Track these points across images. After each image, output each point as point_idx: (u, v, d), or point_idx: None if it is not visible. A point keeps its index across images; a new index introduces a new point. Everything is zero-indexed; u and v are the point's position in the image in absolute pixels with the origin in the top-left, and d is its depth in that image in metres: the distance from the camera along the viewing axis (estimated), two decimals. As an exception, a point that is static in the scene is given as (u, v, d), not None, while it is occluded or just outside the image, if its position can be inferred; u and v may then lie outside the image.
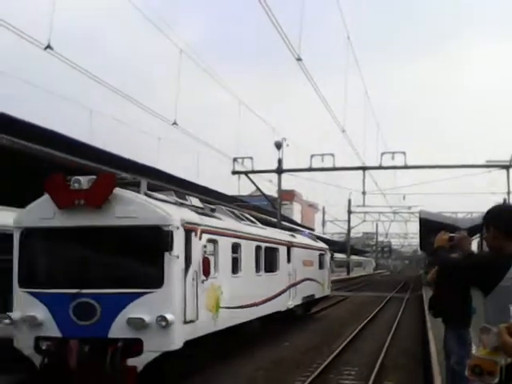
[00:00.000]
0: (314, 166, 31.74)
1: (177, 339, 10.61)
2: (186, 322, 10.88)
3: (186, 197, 14.08)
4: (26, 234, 11.16)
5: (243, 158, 32.88)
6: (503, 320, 2.12)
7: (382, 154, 30.89)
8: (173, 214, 11.14)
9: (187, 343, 10.83)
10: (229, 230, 14.31)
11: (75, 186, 10.71)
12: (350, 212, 62.00)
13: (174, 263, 10.68)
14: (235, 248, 14.49)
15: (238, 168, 32.85)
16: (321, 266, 26.28)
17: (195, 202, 14.12)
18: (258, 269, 16.53)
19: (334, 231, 77.10)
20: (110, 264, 11.23)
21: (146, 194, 11.75)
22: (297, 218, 78.86)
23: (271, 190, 39.38)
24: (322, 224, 73.31)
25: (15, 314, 10.75)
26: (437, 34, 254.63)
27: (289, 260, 20.05)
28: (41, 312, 10.65)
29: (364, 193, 36.65)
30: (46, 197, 10.98)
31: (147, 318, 10.19)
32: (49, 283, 11.15)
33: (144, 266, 11.23)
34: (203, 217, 12.95)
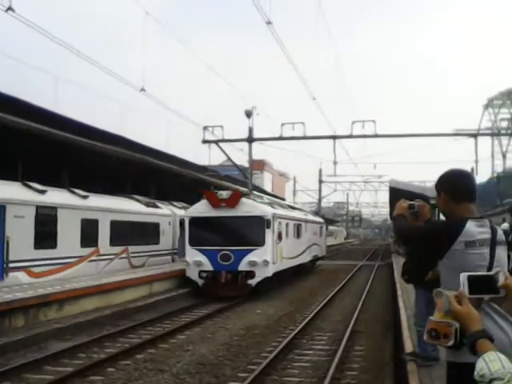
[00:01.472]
0: (285, 135, 31.68)
1: (271, 271, 21.10)
2: (273, 263, 21.39)
3: (263, 196, 28.96)
4: (193, 220, 21.66)
5: (213, 127, 32.62)
6: (457, 283, 2.17)
7: (353, 122, 30.98)
8: (268, 209, 22.55)
9: (274, 274, 21.38)
10: (284, 215, 25.39)
11: (220, 196, 21.46)
12: (320, 181, 62.22)
13: (269, 234, 21.22)
14: (287, 225, 25.03)
15: (209, 137, 32.59)
16: (321, 234, 38.08)
17: (266, 199, 27.67)
18: (294, 236, 27.03)
19: (305, 201, 77.30)
20: (238, 234, 21.46)
21: (254, 200, 22.93)
22: (267, 187, 78.83)
23: (241, 160, 39.28)
24: (293, 193, 73.35)
25: (188, 260, 21.21)
26: None
27: (306, 231, 30.61)
28: (202, 258, 20.80)
29: (335, 162, 36.74)
30: (204, 201, 21.62)
31: (258, 260, 20.55)
32: (206, 244, 21.09)
33: (255, 235, 21.19)
34: (275, 209, 24.01)
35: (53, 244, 18.54)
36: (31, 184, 18.26)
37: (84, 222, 20.29)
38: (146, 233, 25.50)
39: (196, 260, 20.82)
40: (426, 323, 7.57)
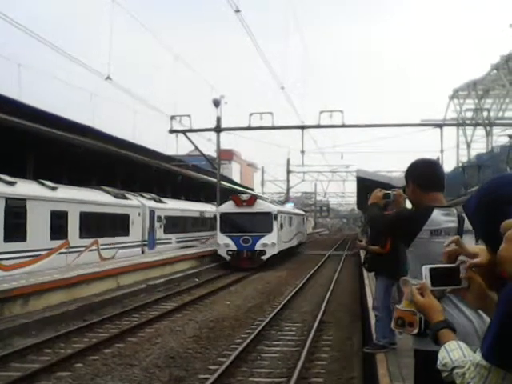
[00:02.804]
0: (253, 124, 31.66)
1: (277, 250, 29.49)
2: (278, 245, 29.56)
3: (268, 198, 46.22)
4: (223, 215, 29.48)
5: (181, 116, 32.42)
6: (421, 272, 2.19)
7: (321, 112, 31.16)
8: (274, 207, 31.44)
9: (278, 252, 29.76)
10: (283, 211, 34.89)
11: (242, 198, 30.19)
12: (288, 171, 62.43)
13: (275, 224, 29.52)
14: (284, 218, 33.55)
15: (176, 126, 32.38)
16: (303, 224, 48.70)
17: (270, 200, 39.33)
18: (288, 226, 35.76)
19: (274, 191, 77.48)
20: (254, 224, 28.99)
21: (265, 201, 33.48)
22: (236, 177, 78.86)
23: (209, 150, 39.18)
24: (261, 184, 73.41)
25: (219, 242, 28.97)
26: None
27: (294, 222, 39.54)
28: (229, 241, 28.62)
29: (303, 152, 36.99)
30: (230, 201, 29.99)
31: (268, 242, 28.81)
32: (232, 231, 28.98)
33: (266, 225, 29.14)
34: (278, 207, 33.24)
35: (22, 237, 18.34)
36: (0, 175, 17.96)
37: (53, 214, 20.10)
38: (116, 224, 25.41)
39: (225, 242, 28.91)
40: (384, 310, 7.76)
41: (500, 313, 1.54)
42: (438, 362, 1.85)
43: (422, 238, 3.33)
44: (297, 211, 45.03)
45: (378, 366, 7.33)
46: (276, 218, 29.80)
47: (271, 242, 29.07)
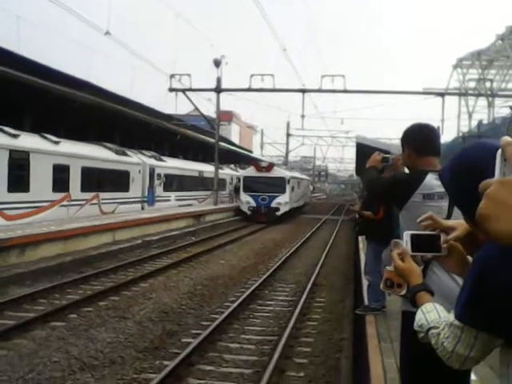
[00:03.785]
0: (254, 86, 31.41)
1: (288, 207, 36.66)
2: (289, 203, 36.70)
3: (281, 166, 50.51)
4: (246, 178, 36.56)
5: (181, 75, 32.13)
6: None
7: (322, 76, 30.89)
8: (288, 173, 39.22)
9: (290, 209, 37.17)
10: (294, 176, 42.01)
11: (262, 164, 37.93)
12: (288, 135, 62.21)
13: (288, 187, 36.39)
14: (294, 181, 39.70)
15: (176, 85, 32.11)
16: (308, 187, 56.37)
17: (284, 168, 45.92)
18: (297, 188, 41.47)
19: (273, 154, 77.31)
20: (271, 186, 35.45)
21: (279, 167, 41.42)
22: (235, 139, 78.55)
23: (209, 111, 38.93)
24: (261, 146, 73.17)
25: (242, 199, 35.90)
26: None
27: (301, 185, 46.03)
28: (250, 199, 35.26)
29: (303, 116, 36.75)
30: (251, 167, 37.89)
31: (281, 201, 35.62)
32: (253, 191, 35.47)
33: (280, 187, 35.88)
34: (291, 173, 41.01)
35: (26, 188, 18.53)
36: (4, 128, 18.03)
37: (56, 168, 20.28)
38: (116, 180, 25.62)
39: (247, 200, 35.26)
40: (370, 271, 7.85)
41: (473, 273, 1.56)
42: (415, 324, 1.88)
43: (414, 201, 3.36)
44: (304, 177, 53.50)
45: (367, 327, 7.44)
46: (289, 182, 36.47)
47: (284, 201, 35.61)
